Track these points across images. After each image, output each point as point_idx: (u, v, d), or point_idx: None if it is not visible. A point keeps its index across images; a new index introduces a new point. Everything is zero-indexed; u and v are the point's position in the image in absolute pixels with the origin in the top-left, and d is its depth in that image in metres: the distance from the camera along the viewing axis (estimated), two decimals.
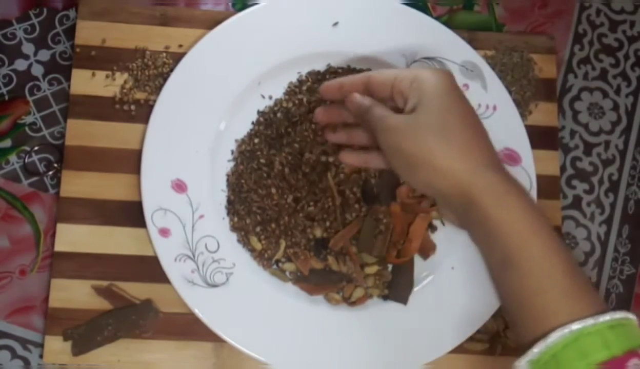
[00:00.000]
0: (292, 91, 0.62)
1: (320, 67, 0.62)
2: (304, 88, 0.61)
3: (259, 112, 0.61)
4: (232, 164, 0.60)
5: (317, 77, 0.62)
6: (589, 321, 0.40)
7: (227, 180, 0.60)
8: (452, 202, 0.45)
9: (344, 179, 0.59)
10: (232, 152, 0.60)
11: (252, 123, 0.61)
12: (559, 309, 0.41)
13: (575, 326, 0.40)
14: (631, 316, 0.42)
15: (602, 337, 0.39)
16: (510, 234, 0.43)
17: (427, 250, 0.60)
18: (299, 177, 0.59)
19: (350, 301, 0.58)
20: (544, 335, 0.40)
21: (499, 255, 0.43)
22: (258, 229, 0.58)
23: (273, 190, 0.58)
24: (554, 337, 0.40)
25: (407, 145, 0.45)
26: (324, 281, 0.58)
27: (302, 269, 0.58)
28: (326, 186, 0.59)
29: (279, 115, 0.60)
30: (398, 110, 0.47)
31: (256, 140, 0.60)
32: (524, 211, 0.43)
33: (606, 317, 0.40)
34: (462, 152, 0.44)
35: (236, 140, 0.60)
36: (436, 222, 0.61)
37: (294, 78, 0.62)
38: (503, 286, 0.44)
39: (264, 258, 0.58)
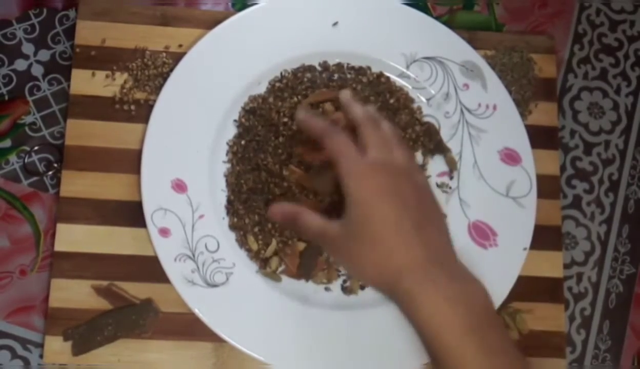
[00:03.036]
0: (275, 88, 0.61)
1: (320, 66, 0.62)
2: (287, 84, 0.61)
3: (241, 113, 0.61)
4: (229, 165, 0.60)
5: (296, 74, 0.62)
6: None
7: (227, 180, 0.60)
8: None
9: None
10: (227, 153, 0.60)
11: (236, 123, 0.61)
12: None
13: None
14: None
15: None
16: (425, 333, 0.44)
17: None
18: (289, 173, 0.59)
19: (345, 286, 0.58)
20: None
21: (424, 350, 0.46)
22: (256, 229, 0.58)
23: (275, 191, 0.58)
24: None
25: (341, 258, 0.48)
26: (310, 263, 0.58)
27: (291, 266, 0.58)
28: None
29: (259, 112, 0.60)
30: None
31: (243, 142, 0.60)
32: (436, 308, 0.44)
33: None
34: (379, 262, 0.46)
35: (227, 142, 0.60)
36: None
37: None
38: None
39: (260, 258, 0.58)
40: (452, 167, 0.61)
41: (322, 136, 0.49)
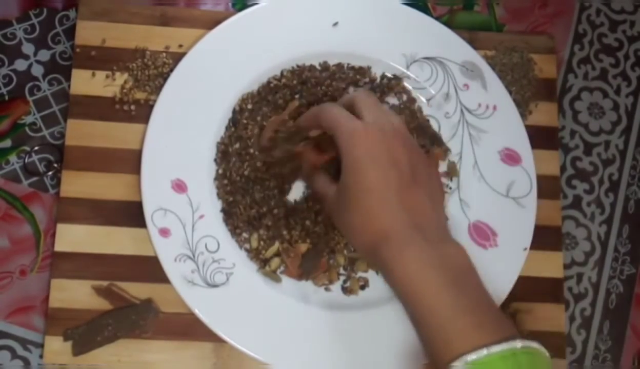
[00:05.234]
0: (269, 89, 0.61)
1: (320, 66, 0.62)
2: (280, 84, 0.61)
3: (233, 112, 0.60)
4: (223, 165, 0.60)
5: (291, 74, 0.61)
6: (482, 352, 0.41)
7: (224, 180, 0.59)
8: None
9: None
10: (215, 153, 0.59)
11: (226, 125, 0.60)
12: (455, 342, 0.43)
13: (470, 357, 0.41)
14: (534, 345, 0.43)
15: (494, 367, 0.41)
16: (403, 297, 0.46)
17: None
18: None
19: (345, 286, 0.58)
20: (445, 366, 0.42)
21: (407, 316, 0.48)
22: (258, 231, 0.58)
23: (263, 193, 0.58)
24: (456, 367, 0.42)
25: (335, 222, 0.52)
26: (312, 264, 0.58)
27: (291, 267, 0.58)
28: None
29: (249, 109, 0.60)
30: None
31: (237, 145, 0.59)
32: (416, 267, 0.45)
33: (497, 348, 0.41)
34: (362, 228, 0.48)
35: (217, 142, 0.59)
36: None
37: None
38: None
39: (259, 258, 0.58)
40: (453, 173, 0.61)
41: (317, 117, 0.51)
